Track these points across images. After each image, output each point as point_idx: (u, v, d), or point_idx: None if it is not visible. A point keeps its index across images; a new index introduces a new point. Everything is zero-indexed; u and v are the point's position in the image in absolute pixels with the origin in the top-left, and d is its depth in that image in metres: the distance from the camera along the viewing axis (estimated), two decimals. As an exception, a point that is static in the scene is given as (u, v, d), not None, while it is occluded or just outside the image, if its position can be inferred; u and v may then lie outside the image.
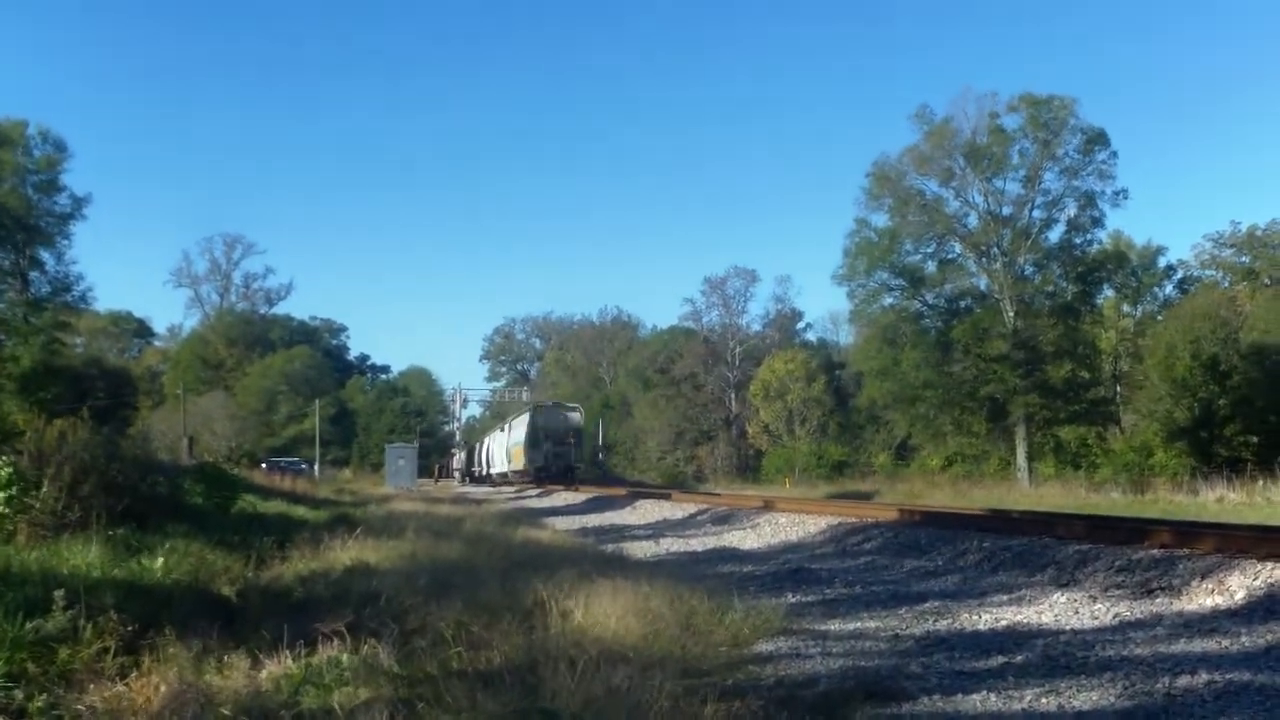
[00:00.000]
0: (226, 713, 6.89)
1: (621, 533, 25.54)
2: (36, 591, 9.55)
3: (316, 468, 78.27)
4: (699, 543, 21.74)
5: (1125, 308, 79.50)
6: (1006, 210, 63.82)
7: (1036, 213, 63.59)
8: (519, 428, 63.87)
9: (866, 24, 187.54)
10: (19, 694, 7.33)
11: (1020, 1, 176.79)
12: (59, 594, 8.98)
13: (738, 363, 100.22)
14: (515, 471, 63.83)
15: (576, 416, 64.27)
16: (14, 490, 14.68)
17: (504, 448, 68.35)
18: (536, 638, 8.56)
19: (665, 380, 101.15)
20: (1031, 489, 50.71)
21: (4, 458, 15.47)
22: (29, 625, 8.50)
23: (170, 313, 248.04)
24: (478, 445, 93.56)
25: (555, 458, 58.78)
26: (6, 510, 14.51)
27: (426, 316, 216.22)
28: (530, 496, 50.82)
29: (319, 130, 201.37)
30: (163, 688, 7.45)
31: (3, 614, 8.52)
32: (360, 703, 6.94)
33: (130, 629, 8.92)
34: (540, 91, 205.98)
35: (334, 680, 7.63)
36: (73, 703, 7.29)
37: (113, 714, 7.12)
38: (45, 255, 53.78)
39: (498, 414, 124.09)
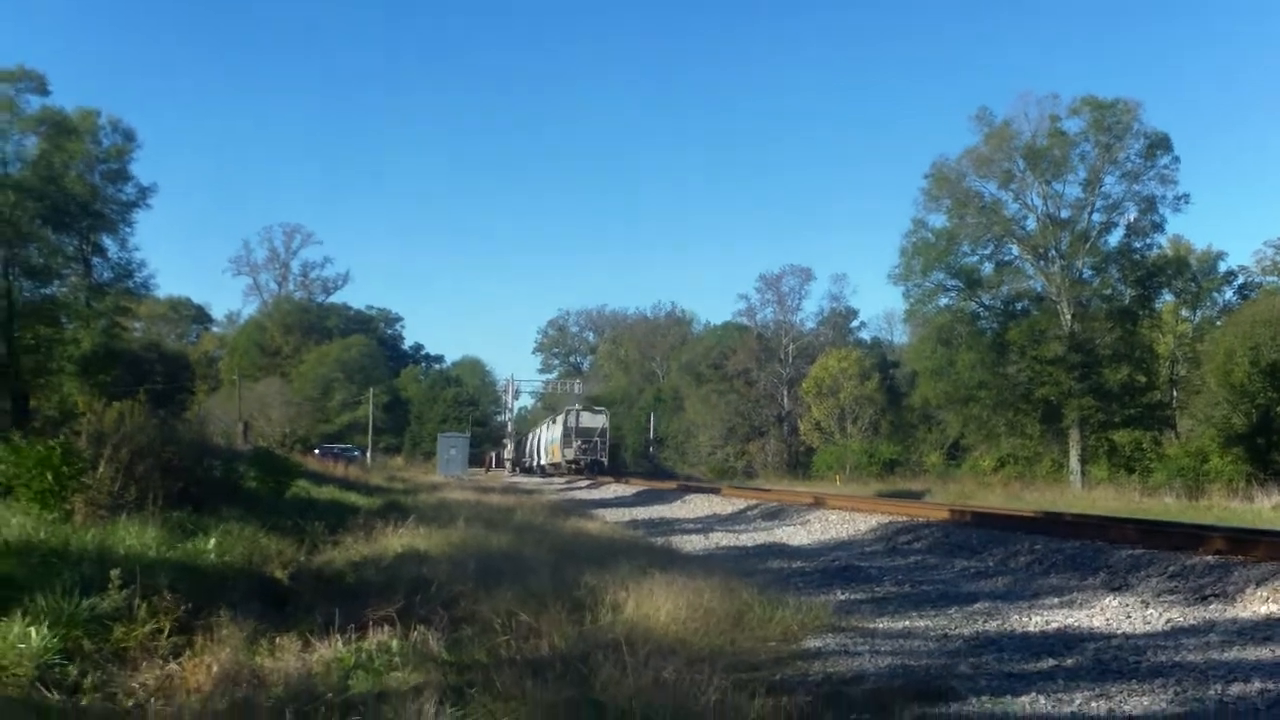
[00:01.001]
0: (278, 693, 6.94)
1: (671, 526, 25.53)
2: (93, 570, 9.65)
3: (369, 455, 78.70)
4: (749, 538, 21.72)
5: (1184, 312, 78.50)
6: (1065, 213, 63.18)
7: (1096, 216, 62.94)
8: (556, 427, 72.78)
9: (927, 23, 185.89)
10: (73, 670, 7.41)
11: (1082, 3, 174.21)
12: (115, 573, 9.07)
13: (791, 360, 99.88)
14: (552, 464, 72.27)
15: (602, 419, 71.89)
16: (64, 469, 14.80)
17: (544, 443, 76.74)
18: (586, 628, 8.59)
19: (718, 376, 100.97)
20: (1084, 492, 50.23)
21: (57, 438, 15.63)
22: (85, 603, 8.59)
23: (229, 300, 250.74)
24: (528, 437, 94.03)
25: (583, 453, 66.85)
26: (58, 488, 14.63)
27: (481, 308, 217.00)
28: (580, 488, 50.96)
29: (379, 123, 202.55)
30: (214, 668, 7.52)
31: (60, 591, 8.62)
32: (410, 688, 6.97)
33: (184, 609, 8.96)
34: (597, 84, 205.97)
35: (384, 665, 7.68)
36: (125, 680, 7.36)
37: (164, 692, 7.19)
38: (108, 241, 54.44)
39: (549, 406, 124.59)
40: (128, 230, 54.69)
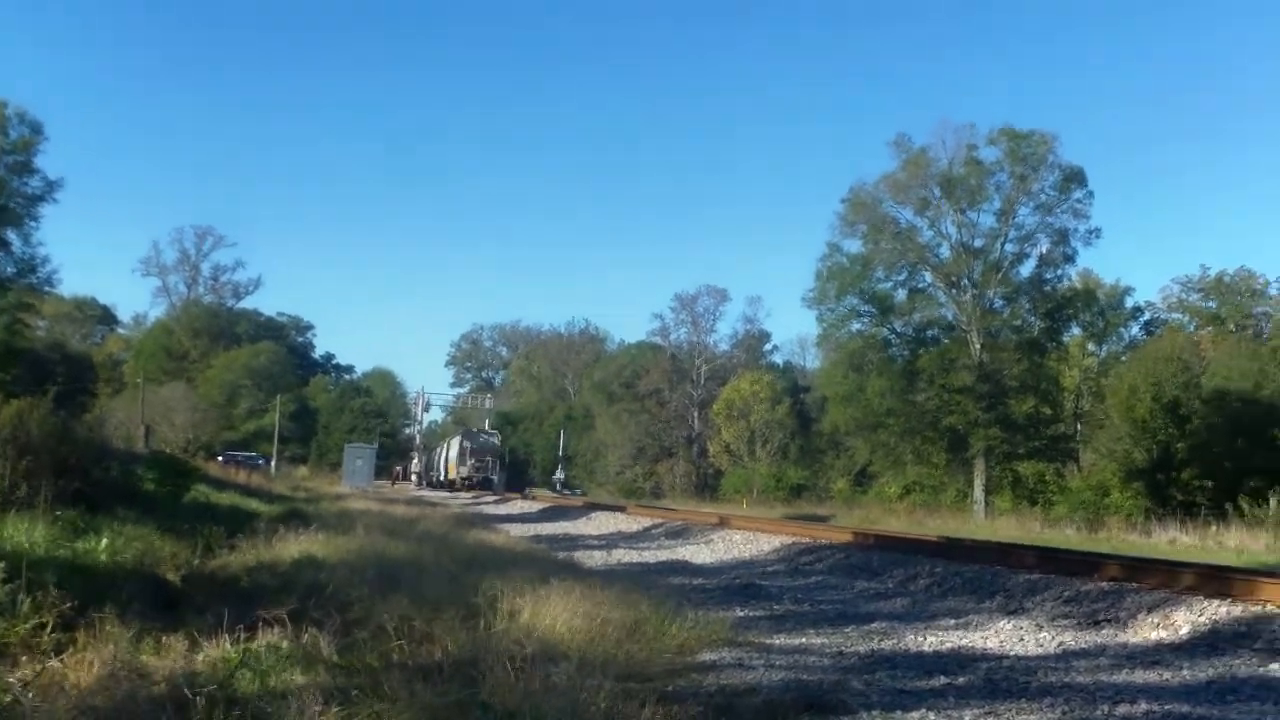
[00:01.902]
0: (159, 691, 6.80)
1: (575, 542, 25.47)
2: (-23, 565, 9.40)
3: (273, 463, 77.76)
4: (652, 555, 21.71)
5: (1090, 346, 79.78)
6: (979, 242, 63.81)
7: (1009, 247, 63.58)
8: (454, 446, 78.79)
9: (847, 48, 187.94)
10: (-51, 663, 7.22)
11: (1000, 32, 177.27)
12: (-1, 566, 8.86)
13: (703, 381, 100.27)
14: (448, 480, 77.58)
15: (495, 441, 79.15)
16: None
17: (445, 460, 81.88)
18: (480, 635, 8.50)
19: (630, 395, 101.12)
20: (987, 522, 50.84)
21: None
22: (-37, 596, 8.38)
23: (136, 301, 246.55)
24: (436, 451, 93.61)
25: (476, 470, 72.24)
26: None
27: (394, 319, 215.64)
28: (486, 503, 50.78)
29: (293, 126, 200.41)
30: (97, 665, 7.36)
31: (-63, 583, 8.41)
32: (296, 688, 6.85)
33: (70, 606, 8.78)
34: (516, 96, 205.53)
35: (271, 666, 7.56)
36: (3, 675, 7.17)
37: (45, 689, 7.00)
38: (12, 236, 53.07)
39: (459, 420, 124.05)
40: (32, 225, 53.36)
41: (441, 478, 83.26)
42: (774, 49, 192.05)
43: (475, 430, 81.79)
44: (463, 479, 73.45)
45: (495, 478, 74.18)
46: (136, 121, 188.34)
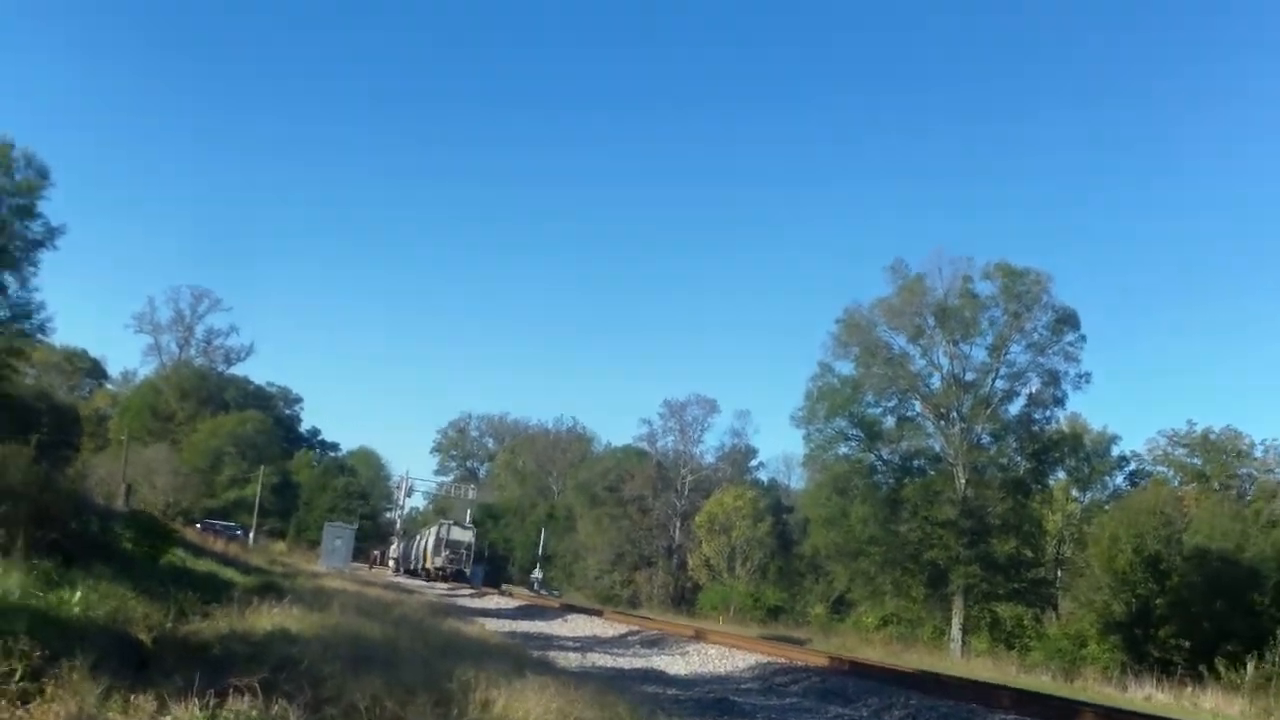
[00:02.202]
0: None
1: (550, 641, 25.23)
2: (-56, 606, 9.33)
3: (252, 535, 77.19)
4: (626, 661, 21.49)
5: (1075, 492, 79.54)
6: (970, 376, 63.75)
7: (999, 383, 63.55)
8: (430, 536, 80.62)
9: (847, 169, 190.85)
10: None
11: (1001, 167, 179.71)
12: (-33, 610, 8.78)
13: (687, 492, 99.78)
14: (424, 568, 79.00)
15: (469, 536, 78.55)
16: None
17: (422, 548, 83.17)
18: (453, 721, 8.39)
19: (613, 499, 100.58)
20: (963, 660, 50.33)
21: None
22: (-71, 638, 8.30)
23: (126, 357, 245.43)
24: (415, 539, 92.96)
25: (450, 562, 73.35)
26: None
27: (383, 400, 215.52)
28: (462, 594, 50.35)
29: (298, 202, 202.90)
30: (62, 716, 7.26)
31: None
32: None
33: (39, 656, 8.69)
34: (518, 194, 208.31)
35: (239, 736, 7.44)
36: (-33, 720, 7.08)
37: (8, 737, 6.91)
38: (9, 279, 52.76)
39: (441, 509, 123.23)
40: (31, 270, 53.08)
41: (417, 565, 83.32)
42: (775, 165, 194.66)
43: (452, 522, 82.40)
44: (437, 569, 74.60)
45: (469, 570, 74.99)
46: (141, 178, 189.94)
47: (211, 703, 8.08)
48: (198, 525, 62.42)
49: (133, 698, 8.23)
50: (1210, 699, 37.38)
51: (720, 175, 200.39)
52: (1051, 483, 70.80)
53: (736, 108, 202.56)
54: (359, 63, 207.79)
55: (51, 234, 53.49)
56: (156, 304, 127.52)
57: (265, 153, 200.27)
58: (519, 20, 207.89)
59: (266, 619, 15.05)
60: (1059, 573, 73.38)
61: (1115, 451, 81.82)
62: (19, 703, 7.68)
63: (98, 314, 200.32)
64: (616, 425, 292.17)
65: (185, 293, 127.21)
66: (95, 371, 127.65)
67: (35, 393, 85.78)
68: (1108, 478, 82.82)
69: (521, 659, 15.36)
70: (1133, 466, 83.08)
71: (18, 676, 8.15)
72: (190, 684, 8.41)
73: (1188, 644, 55.12)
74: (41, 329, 56.38)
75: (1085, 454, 74.90)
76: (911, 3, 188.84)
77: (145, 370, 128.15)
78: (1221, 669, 44.83)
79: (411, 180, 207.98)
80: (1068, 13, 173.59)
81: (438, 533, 78.77)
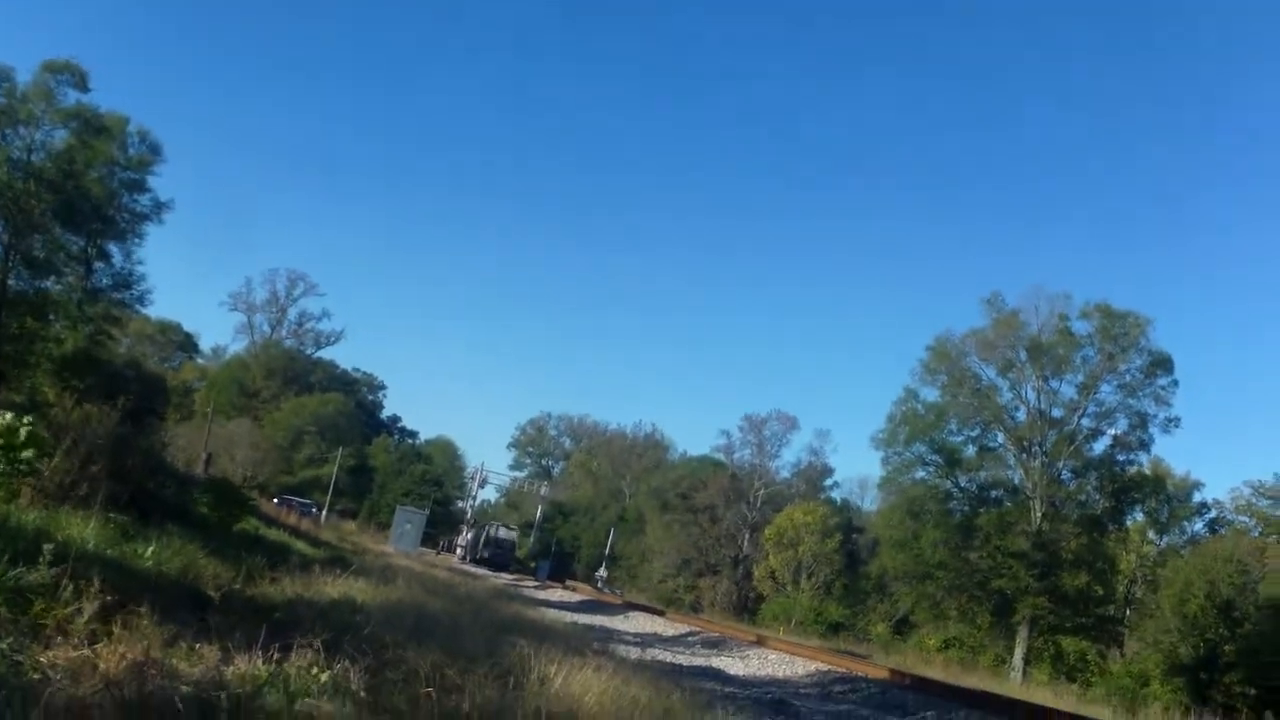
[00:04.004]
0: (187, 692, 6.78)
1: (611, 635, 25.23)
2: (28, 547, 9.49)
3: (324, 513, 78.05)
4: (685, 659, 21.47)
5: (1151, 534, 78.35)
6: (1057, 412, 63.10)
7: (1085, 421, 62.79)
8: (483, 533, 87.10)
9: (945, 199, 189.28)
10: (-15, 635, 7.26)
11: (1095, 206, 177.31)
12: (47, 548, 8.94)
13: (759, 504, 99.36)
14: (474, 558, 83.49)
15: (512, 534, 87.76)
16: (22, 451, 14.56)
17: (473, 540, 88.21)
18: (510, 694, 8.42)
19: (684, 506, 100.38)
20: (1022, 688, 49.71)
21: (28, 417, 15.38)
22: (11, 573, 8.44)
23: (218, 333, 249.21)
24: (484, 529, 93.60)
25: (497, 555, 79.77)
26: (7, 467, 14.40)
27: (464, 392, 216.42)
28: (528, 585, 50.58)
29: (399, 200, 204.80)
30: (129, 658, 7.36)
31: (-11, 558, 8.49)
32: (321, 713, 6.81)
33: (110, 600, 8.82)
34: (617, 199, 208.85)
35: (300, 688, 7.52)
36: (36, 654, 7.21)
37: (74, 673, 7.02)
38: (114, 249, 53.93)
39: (513, 504, 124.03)
40: (136, 241, 54.19)
41: (480, 555, 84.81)
42: (873, 192, 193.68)
43: (500, 523, 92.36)
44: (484, 560, 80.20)
45: (510, 562, 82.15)
46: (251, 158, 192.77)
47: (275, 657, 8.16)
48: (274, 499, 63.13)
49: (198, 646, 8.34)
50: (1275, 748, 36.59)
51: (823, 202, 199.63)
52: (1129, 523, 69.79)
53: (846, 130, 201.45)
54: (481, 52, 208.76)
55: (159, 208, 54.58)
56: (253, 284, 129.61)
57: (371, 143, 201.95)
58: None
59: (333, 588, 15.23)
60: (1128, 612, 72.27)
61: (1197, 498, 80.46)
62: (86, 643, 7.80)
63: (195, 290, 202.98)
64: (694, 436, 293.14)
65: (282, 275, 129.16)
66: (187, 345, 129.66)
67: (127, 360, 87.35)
68: (1187, 523, 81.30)
69: (582, 644, 15.39)
70: (1213, 514, 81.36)
71: (86, 618, 8.27)
72: (255, 640, 8.50)
73: (1253, 691, 54.04)
74: (140, 300, 57.44)
75: (1166, 497, 73.75)
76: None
77: (235, 347, 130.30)
78: (1286, 718, 43.87)
79: (511, 174, 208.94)
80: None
81: (487, 531, 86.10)
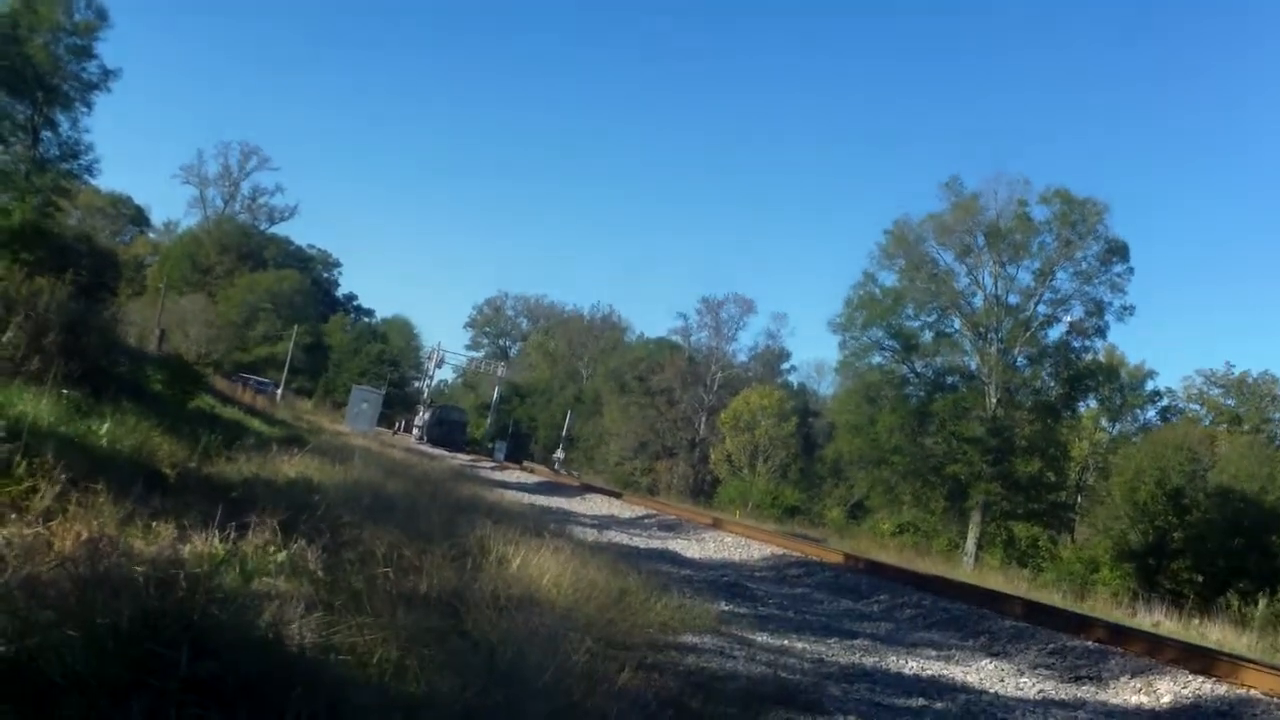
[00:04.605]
0: (143, 571, 6.72)
1: (568, 517, 25.36)
2: (-23, 420, 9.37)
3: (280, 391, 77.78)
4: (642, 541, 21.60)
5: (1104, 422, 79.41)
6: (1013, 298, 63.28)
7: (1042, 308, 63.02)
8: (430, 414, 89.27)
9: (902, 82, 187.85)
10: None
11: (1055, 85, 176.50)
12: (0, 424, 8.82)
13: (716, 387, 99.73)
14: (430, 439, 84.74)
15: (463, 416, 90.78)
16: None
17: (426, 420, 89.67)
18: (468, 573, 8.42)
19: (641, 388, 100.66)
20: (975, 572, 50.49)
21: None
22: (-37, 448, 8.34)
23: (171, 208, 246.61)
24: (437, 410, 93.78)
25: (449, 435, 79.65)
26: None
27: (421, 271, 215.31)
28: (484, 466, 50.72)
29: (358, 65, 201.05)
30: (84, 535, 7.29)
31: (-64, 432, 8.37)
32: (279, 592, 6.78)
33: (65, 478, 8.73)
34: (575, 82, 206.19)
35: (257, 567, 7.49)
36: (-12, 530, 7.13)
37: (27, 550, 6.93)
38: (61, 118, 52.69)
39: (470, 384, 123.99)
40: (84, 110, 52.90)
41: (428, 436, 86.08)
42: (837, 76, 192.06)
43: (448, 405, 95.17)
44: (434, 438, 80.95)
45: (459, 440, 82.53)
46: (202, 26, 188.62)
47: (232, 536, 8.12)
48: (229, 377, 62.84)
49: (154, 524, 8.29)
50: (1218, 631, 37.26)
51: (780, 80, 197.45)
52: (1082, 410, 70.59)
53: (803, 14, 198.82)
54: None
55: (107, 77, 53.16)
56: (205, 157, 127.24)
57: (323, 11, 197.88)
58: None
59: (289, 467, 15.16)
60: (1079, 499, 73.44)
61: (1150, 386, 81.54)
62: (41, 520, 7.72)
63: (146, 163, 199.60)
64: (652, 318, 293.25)
65: (235, 148, 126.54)
66: (139, 219, 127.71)
67: (77, 234, 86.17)
68: (1139, 411, 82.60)
69: (539, 526, 15.44)
70: (1166, 402, 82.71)
71: (41, 494, 8.19)
72: (211, 518, 8.45)
73: (1200, 578, 55.17)
74: (89, 170, 56.21)
75: (1119, 385, 74.57)
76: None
77: (188, 222, 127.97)
78: (1232, 603, 44.84)
79: (469, 51, 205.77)
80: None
81: (438, 413, 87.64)
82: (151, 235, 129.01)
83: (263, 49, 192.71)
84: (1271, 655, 23.44)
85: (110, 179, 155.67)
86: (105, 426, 12.86)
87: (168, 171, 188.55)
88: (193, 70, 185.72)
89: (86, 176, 57.59)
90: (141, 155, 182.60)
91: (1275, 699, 10.43)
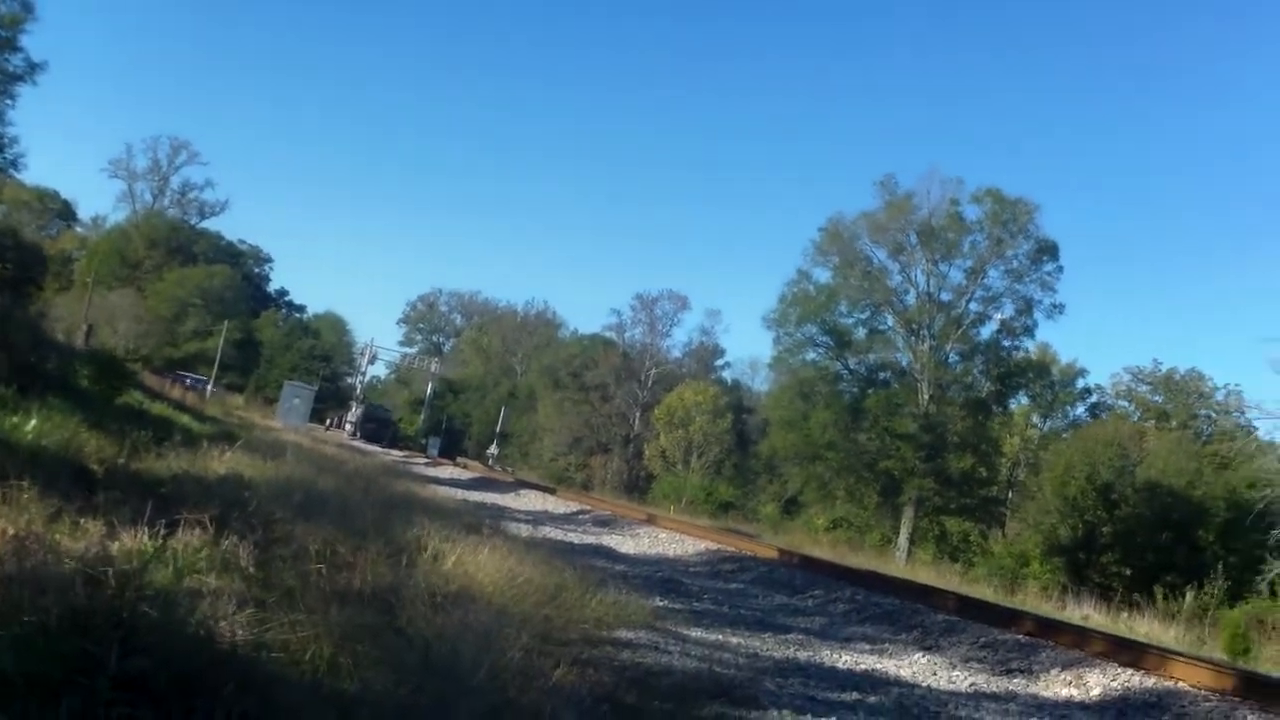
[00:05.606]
0: (70, 568, 6.62)
1: (502, 513, 25.27)
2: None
3: (210, 387, 76.95)
4: (577, 537, 21.61)
5: (1035, 418, 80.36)
6: (946, 296, 63.91)
7: (973, 305, 63.73)
8: (360, 411, 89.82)
9: (837, 81, 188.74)
10: None
11: (990, 91, 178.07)
12: (-81, 421, 8.68)
13: (650, 384, 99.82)
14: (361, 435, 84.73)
15: (389, 414, 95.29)
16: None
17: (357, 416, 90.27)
18: (402, 570, 8.37)
19: (575, 384, 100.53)
20: (907, 567, 50.95)
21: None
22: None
23: (99, 202, 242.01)
24: (366, 407, 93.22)
25: (378, 431, 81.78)
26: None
27: (353, 267, 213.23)
28: (418, 463, 50.51)
29: (288, 60, 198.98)
30: (9, 532, 7.19)
31: None
32: (210, 589, 6.71)
33: (-11, 475, 8.60)
34: (505, 73, 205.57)
35: (187, 564, 7.41)
36: (-89, 529, 7.01)
37: (-49, 549, 6.83)
38: (-18, 111, 51.60)
39: (403, 380, 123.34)
40: (8, 103, 51.90)
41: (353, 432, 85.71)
42: (772, 76, 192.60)
43: (375, 404, 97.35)
44: (364, 436, 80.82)
45: (388, 437, 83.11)
46: (130, 19, 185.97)
47: (162, 533, 8.02)
48: (158, 373, 62.05)
49: (82, 521, 8.18)
50: (1145, 624, 37.90)
51: (715, 78, 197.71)
52: (1014, 407, 71.43)
53: (733, 15, 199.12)
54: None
55: (33, 69, 52.21)
56: (134, 151, 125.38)
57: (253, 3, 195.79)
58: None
59: (220, 463, 15.01)
60: (1010, 494, 74.19)
61: (1080, 384, 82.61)
62: (-35, 517, 7.60)
63: (73, 157, 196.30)
64: (586, 314, 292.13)
65: (164, 142, 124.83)
66: (65, 213, 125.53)
67: (2, 228, 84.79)
68: (1070, 408, 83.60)
69: (474, 523, 15.38)
70: (1095, 399, 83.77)
71: (-31, 493, 8.07)
72: (140, 515, 8.35)
73: (1129, 572, 55.88)
74: (14, 164, 55.33)
75: (1050, 382, 75.58)
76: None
77: (116, 217, 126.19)
78: (1160, 597, 45.49)
79: (405, 47, 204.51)
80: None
81: (367, 410, 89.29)
82: (79, 230, 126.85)
83: (194, 42, 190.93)
84: (1198, 648, 23.86)
85: (36, 173, 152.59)
86: (32, 423, 12.66)
87: (95, 166, 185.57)
88: (121, 64, 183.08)
89: (11, 170, 56.73)
90: (69, 149, 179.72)
91: (1202, 691, 10.61)
